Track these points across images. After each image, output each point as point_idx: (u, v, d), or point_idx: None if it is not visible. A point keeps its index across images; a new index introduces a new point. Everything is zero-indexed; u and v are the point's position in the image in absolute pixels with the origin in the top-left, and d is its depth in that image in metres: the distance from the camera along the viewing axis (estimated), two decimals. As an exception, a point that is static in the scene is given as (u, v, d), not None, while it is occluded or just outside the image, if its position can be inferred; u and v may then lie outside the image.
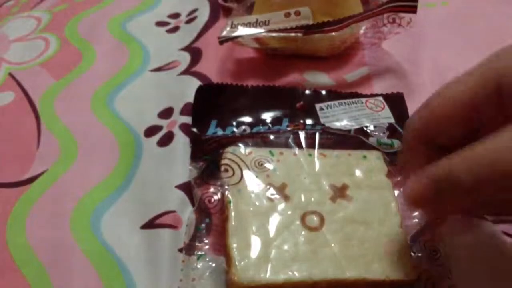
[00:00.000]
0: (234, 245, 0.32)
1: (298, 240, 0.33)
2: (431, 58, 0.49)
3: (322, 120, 0.42)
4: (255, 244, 0.32)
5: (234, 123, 0.42)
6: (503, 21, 0.52)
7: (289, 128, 0.40)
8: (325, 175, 0.36)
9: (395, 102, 0.43)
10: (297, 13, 0.46)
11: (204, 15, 0.56)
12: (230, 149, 0.38)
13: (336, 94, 0.44)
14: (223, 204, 0.35)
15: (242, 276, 0.31)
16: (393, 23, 0.47)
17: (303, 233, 0.33)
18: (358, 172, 0.36)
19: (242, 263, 0.31)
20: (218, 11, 0.57)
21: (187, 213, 0.37)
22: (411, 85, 0.46)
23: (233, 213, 0.34)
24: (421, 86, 0.46)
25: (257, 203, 0.34)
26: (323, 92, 0.45)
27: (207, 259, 0.34)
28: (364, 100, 0.43)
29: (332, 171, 0.36)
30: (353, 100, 0.43)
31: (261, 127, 0.41)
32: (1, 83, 0.50)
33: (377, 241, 0.33)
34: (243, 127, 0.41)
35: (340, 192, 0.35)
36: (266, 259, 0.32)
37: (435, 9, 0.55)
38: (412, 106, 0.43)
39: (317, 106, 0.43)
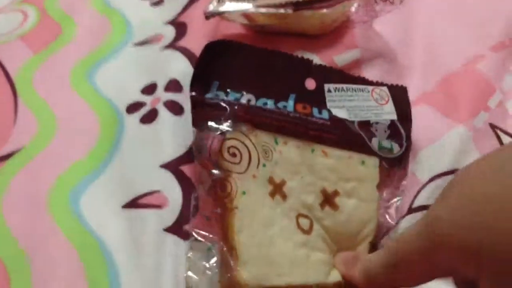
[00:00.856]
0: (242, 243, 0.32)
1: (295, 243, 0.34)
2: (422, 38, 0.49)
3: (328, 104, 0.41)
4: (260, 244, 0.33)
5: (238, 89, 0.39)
6: (495, 2, 0.52)
7: (297, 114, 0.39)
8: (322, 177, 0.37)
9: (399, 95, 0.43)
10: (287, -12, 0.45)
11: (190, -13, 0.55)
12: (236, 127, 0.36)
13: (345, 76, 0.43)
14: (226, 190, 0.34)
15: (250, 277, 0.31)
16: (385, 1, 0.46)
17: (298, 235, 0.34)
18: (352, 179, 0.37)
19: (249, 263, 0.32)
20: (205, -17, 0.55)
21: (173, 193, 0.37)
22: (401, 69, 0.46)
23: (241, 207, 0.33)
24: (411, 69, 0.46)
25: (261, 200, 0.34)
26: (334, 70, 0.43)
27: (216, 251, 0.33)
28: (370, 89, 0.43)
29: (329, 175, 0.37)
30: (360, 87, 0.42)
31: (267, 101, 0.39)
32: (-23, 56, 0.49)
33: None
34: (248, 96, 0.39)
35: (330, 199, 0.36)
36: (270, 261, 0.33)
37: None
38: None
39: (326, 87, 0.42)
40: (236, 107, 0.37)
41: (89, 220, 0.36)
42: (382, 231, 0.37)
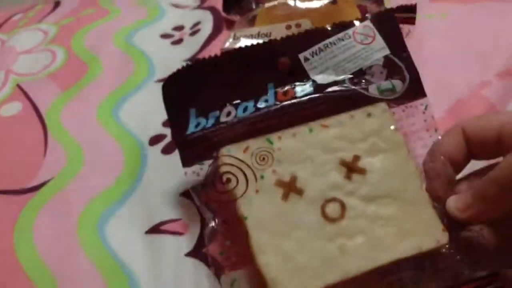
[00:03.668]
0: (265, 263, 0.31)
1: (324, 240, 0.31)
2: (430, 67, 0.49)
3: (310, 74, 0.37)
4: (284, 257, 0.31)
5: (216, 106, 0.37)
6: (500, 32, 0.53)
7: (278, 102, 0.36)
8: (332, 151, 0.34)
9: (386, 25, 0.39)
10: (298, 25, 0.48)
11: (207, 27, 0.57)
12: (224, 151, 0.34)
13: (317, 32, 0.39)
14: (236, 215, 0.33)
15: None
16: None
17: (326, 229, 0.31)
18: (366, 137, 0.34)
19: (278, 278, 0.30)
20: (221, 23, 0.58)
21: (193, 220, 0.38)
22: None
23: (252, 229, 0.32)
24: None
25: (272, 209, 0.32)
26: (303, 35, 0.38)
27: (241, 283, 0.32)
28: (351, 32, 0.38)
29: (339, 144, 0.34)
30: (339, 36, 0.38)
31: (246, 104, 0.36)
32: (9, 94, 0.51)
33: (403, 213, 0.32)
34: (227, 109, 0.37)
35: (353, 166, 0.33)
36: (301, 267, 0.31)
37: (434, 21, 0.55)
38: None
39: (301, 56, 0.38)
40: (218, 133, 0.35)
41: (114, 247, 0.37)
42: (435, 178, 0.33)
